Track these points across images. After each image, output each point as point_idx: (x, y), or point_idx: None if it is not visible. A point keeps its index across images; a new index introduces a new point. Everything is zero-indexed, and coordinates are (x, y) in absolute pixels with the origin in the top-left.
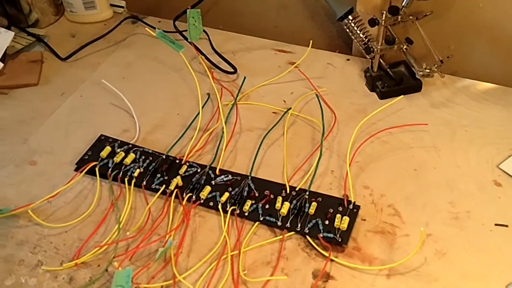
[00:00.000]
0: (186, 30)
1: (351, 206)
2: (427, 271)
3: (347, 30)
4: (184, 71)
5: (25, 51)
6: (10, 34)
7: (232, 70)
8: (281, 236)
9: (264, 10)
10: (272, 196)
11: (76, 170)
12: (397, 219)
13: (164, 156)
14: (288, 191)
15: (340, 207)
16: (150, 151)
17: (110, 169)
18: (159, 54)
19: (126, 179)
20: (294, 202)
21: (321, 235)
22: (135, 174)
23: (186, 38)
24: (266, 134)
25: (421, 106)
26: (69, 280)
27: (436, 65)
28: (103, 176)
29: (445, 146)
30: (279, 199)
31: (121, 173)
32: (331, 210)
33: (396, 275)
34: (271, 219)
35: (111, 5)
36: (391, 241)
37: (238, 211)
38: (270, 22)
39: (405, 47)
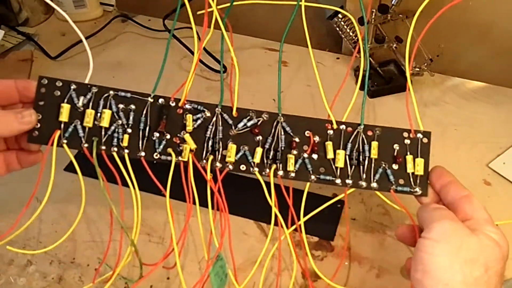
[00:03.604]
0: (176, 29)
1: (420, 135)
2: None
3: (337, 29)
4: (174, 70)
5: (15, 50)
6: (0, 33)
7: (222, 69)
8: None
9: (254, 9)
10: (316, 139)
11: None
12: (387, 218)
13: (151, 99)
14: (335, 126)
15: (407, 140)
16: (128, 95)
17: (83, 140)
18: (149, 53)
19: (114, 152)
20: (349, 146)
21: (394, 189)
22: (125, 143)
23: (177, 38)
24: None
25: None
26: (58, 280)
27: (425, 64)
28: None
29: (435, 145)
30: (329, 145)
31: (103, 145)
32: (397, 147)
33: (385, 274)
34: (327, 177)
35: (101, 3)
36: (381, 240)
37: (282, 173)
38: (260, 21)
39: (394, 45)
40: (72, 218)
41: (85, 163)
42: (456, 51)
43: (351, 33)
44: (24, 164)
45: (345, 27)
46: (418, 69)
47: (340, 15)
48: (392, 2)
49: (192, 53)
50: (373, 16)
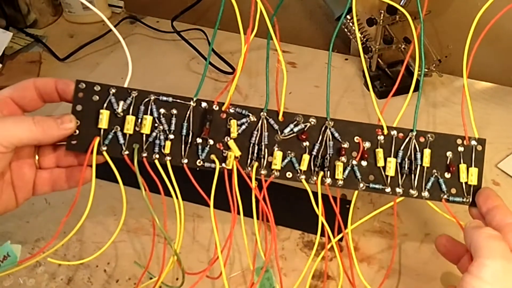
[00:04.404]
0: (184, 31)
1: (474, 142)
2: (426, 271)
3: (345, 30)
4: (183, 71)
5: (23, 52)
6: (8, 34)
7: (230, 70)
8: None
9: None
10: (366, 145)
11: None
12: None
13: (193, 103)
14: (386, 132)
15: (461, 147)
16: (170, 100)
17: (124, 148)
18: (157, 54)
19: (156, 160)
20: (401, 153)
21: (445, 198)
22: (167, 150)
23: (184, 39)
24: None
25: (420, 106)
26: (68, 281)
27: (434, 65)
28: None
29: None
30: (379, 152)
31: (144, 152)
32: (450, 154)
33: (395, 274)
34: (376, 185)
35: (109, 5)
36: (390, 240)
37: (329, 181)
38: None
39: (403, 46)
40: (79, 219)
41: (102, 166)
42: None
43: (359, 34)
44: (72, 183)
45: (354, 28)
46: (427, 70)
47: (348, 16)
48: (401, 3)
49: (201, 54)
50: (381, 17)
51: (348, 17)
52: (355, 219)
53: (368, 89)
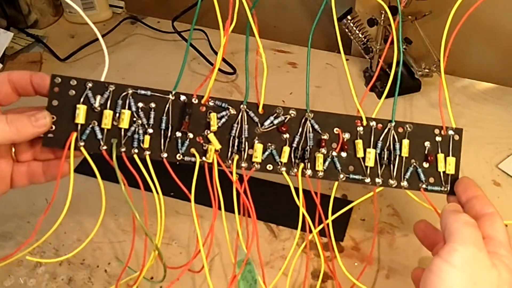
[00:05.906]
0: (185, 31)
1: (451, 132)
2: None
3: (346, 30)
4: (183, 72)
5: (24, 52)
6: (9, 34)
7: (231, 70)
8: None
9: (263, 10)
10: (346, 136)
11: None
12: (396, 219)
13: (172, 96)
14: (365, 123)
15: (438, 137)
16: (148, 93)
17: (102, 143)
18: (158, 54)
19: (135, 154)
20: (380, 144)
21: (423, 187)
22: (146, 144)
23: (184, 39)
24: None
25: (420, 106)
26: (68, 281)
27: (435, 65)
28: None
29: None
30: (359, 143)
31: (123, 147)
32: (428, 144)
33: (395, 275)
34: (356, 176)
35: (110, 5)
36: (390, 241)
37: (310, 172)
38: (269, 23)
39: (404, 47)
40: (80, 219)
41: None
42: (465, 52)
43: (360, 35)
44: (49, 177)
45: (355, 28)
46: (427, 70)
47: (349, 17)
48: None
49: (202, 55)
50: (382, 18)
51: (349, 17)
52: (356, 219)
53: (369, 90)
